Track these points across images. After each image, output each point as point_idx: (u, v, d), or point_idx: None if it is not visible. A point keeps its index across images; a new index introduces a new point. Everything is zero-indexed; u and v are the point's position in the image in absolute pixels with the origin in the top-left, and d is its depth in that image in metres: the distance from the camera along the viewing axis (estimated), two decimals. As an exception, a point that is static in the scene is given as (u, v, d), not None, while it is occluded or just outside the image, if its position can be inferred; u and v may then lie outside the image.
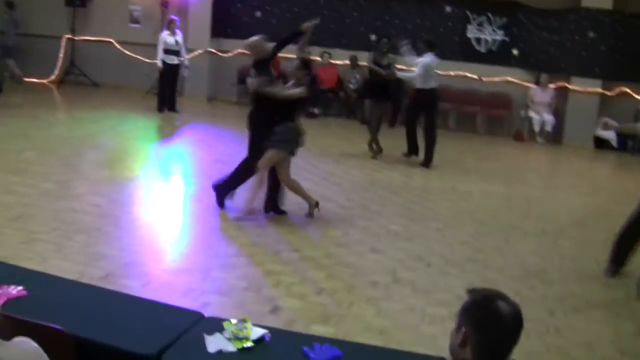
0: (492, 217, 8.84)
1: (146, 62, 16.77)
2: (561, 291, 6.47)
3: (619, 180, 12.61)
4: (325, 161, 11.12)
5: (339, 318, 5.38)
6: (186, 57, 14.87)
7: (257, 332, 3.31)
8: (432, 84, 11.48)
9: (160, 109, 14.50)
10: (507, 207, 9.51)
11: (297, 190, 7.94)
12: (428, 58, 11.42)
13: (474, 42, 15.66)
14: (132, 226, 7.38)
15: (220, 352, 3.16)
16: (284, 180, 7.79)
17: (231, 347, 3.19)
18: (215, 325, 3.36)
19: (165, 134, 13.40)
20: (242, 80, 16.24)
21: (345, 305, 5.64)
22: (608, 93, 15.39)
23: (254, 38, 7.98)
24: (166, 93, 14.54)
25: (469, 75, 15.55)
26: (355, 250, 7.05)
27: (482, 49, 15.61)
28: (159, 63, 14.31)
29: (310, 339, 3.34)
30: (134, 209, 8.08)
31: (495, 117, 15.65)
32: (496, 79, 15.53)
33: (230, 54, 16.84)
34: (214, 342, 3.21)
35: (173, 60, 14.40)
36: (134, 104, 15.47)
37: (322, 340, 3.35)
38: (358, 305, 5.68)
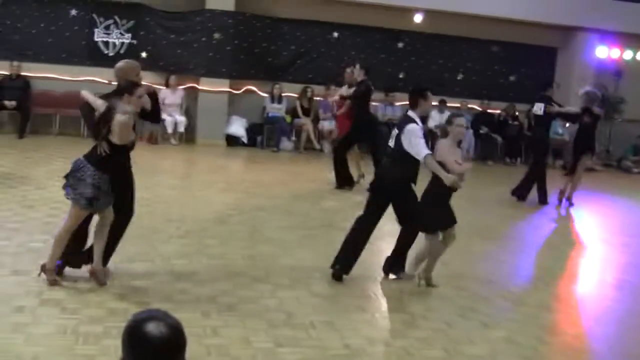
0: (133, 224, 8.70)
1: None
2: (212, 291, 6.57)
3: (252, 174, 13.17)
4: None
5: (-18, 352, 4.93)
6: None
7: None
8: None
9: None
10: (148, 211, 9.41)
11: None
12: None
13: (101, 46, 15.35)
14: None
15: None
16: None
17: None
18: None
19: None
20: None
21: (-11, 336, 5.19)
22: (235, 91, 16.03)
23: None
24: None
25: (98, 79, 15.19)
26: (-7, 274, 6.52)
27: (110, 52, 15.36)
28: None
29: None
30: None
31: (129, 120, 15.50)
32: (126, 81, 15.35)
33: None
34: None
35: None
36: None
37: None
38: (3, 334, 5.24)
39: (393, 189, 7.13)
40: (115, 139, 6.18)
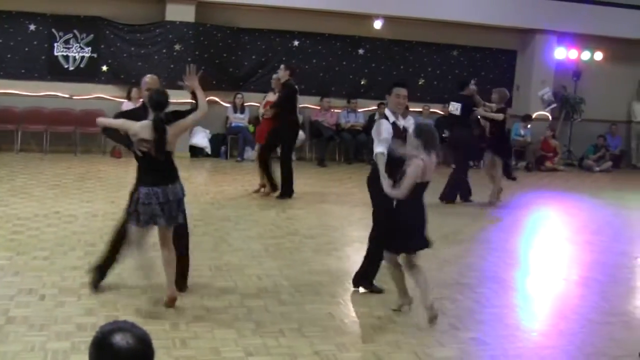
0: (100, 238, 8.66)
1: None
2: (180, 302, 6.50)
3: (216, 185, 13.12)
4: None
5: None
6: None
7: None
8: None
9: None
10: (111, 225, 9.36)
11: None
12: None
13: (61, 60, 15.21)
14: None
15: None
16: None
17: None
18: None
19: None
20: None
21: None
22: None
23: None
24: None
25: (59, 94, 15.10)
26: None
27: (71, 66, 15.24)
28: None
29: None
30: None
31: (91, 134, 15.36)
32: (87, 96, 15.28)
33: None
34: None
35: None
36: None
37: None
38: (-31, 354, 5.19)
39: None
40: (171, 147, 6.39)
